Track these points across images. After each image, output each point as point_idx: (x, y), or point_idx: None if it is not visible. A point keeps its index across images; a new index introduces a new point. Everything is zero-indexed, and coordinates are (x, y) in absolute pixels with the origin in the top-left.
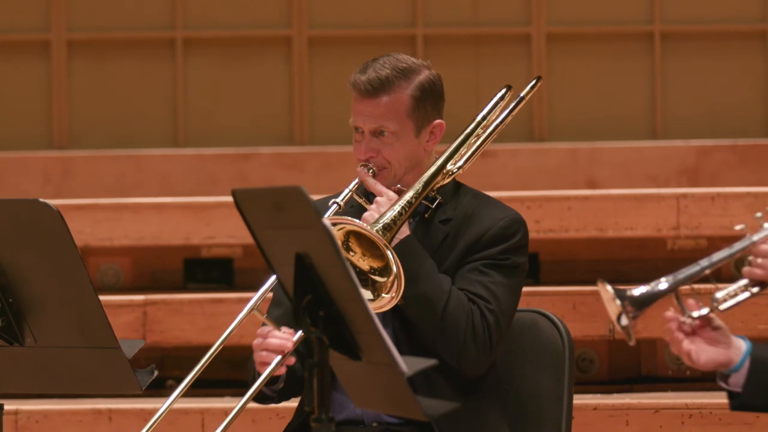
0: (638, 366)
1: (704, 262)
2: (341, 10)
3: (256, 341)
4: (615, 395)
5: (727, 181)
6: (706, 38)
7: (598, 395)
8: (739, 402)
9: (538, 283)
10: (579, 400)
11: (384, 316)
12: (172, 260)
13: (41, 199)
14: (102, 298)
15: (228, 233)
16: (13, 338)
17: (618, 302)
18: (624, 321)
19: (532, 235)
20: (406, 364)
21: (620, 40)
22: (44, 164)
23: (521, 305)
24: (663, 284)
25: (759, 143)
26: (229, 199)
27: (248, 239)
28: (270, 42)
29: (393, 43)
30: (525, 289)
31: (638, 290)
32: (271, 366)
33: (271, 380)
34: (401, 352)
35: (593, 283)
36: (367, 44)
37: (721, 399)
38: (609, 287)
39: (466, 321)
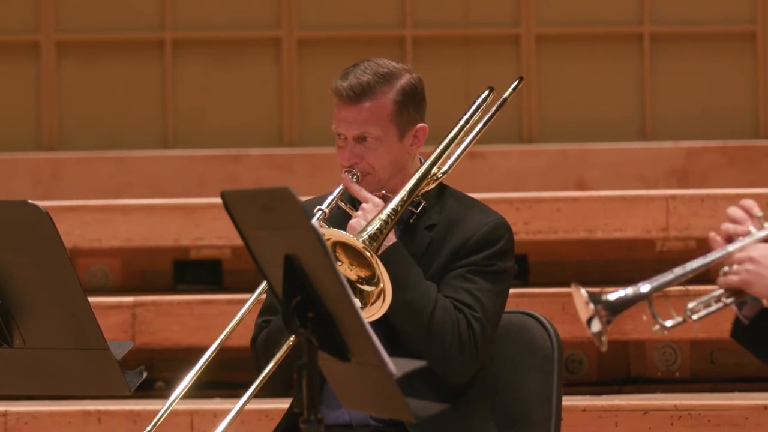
0: (627, 367)
1: (678, 271)
2: (330, 12)
3: None
4: (604, 396)
5: (717, 183)
6: (696, 39)
7: (587, 396)
8: (736, 332)
9: (526, 284)
10: (568, 401)
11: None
12: (161, 261)
13: (30, 201)
14: (91, 299)
15: (217, 234)
16: (2, 340)
17: (591, 306)
18: (596, 326)
19: (521, 236)
20: (396, 366)
21: (610, 41)
22: (33, 165)
23: (510, 306)
24: (636, 290)
25: (748, 144)
26: (219, 200)
27: (237, 241)
28: (259, 43)
29: (382, 45)
30: (514, 290)
31: (613, 295)
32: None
33: None
34: None
35: (582, 284)
36: (356, 45)
37: (710, 400)
38: (583, 291)
39: (452, 330)
